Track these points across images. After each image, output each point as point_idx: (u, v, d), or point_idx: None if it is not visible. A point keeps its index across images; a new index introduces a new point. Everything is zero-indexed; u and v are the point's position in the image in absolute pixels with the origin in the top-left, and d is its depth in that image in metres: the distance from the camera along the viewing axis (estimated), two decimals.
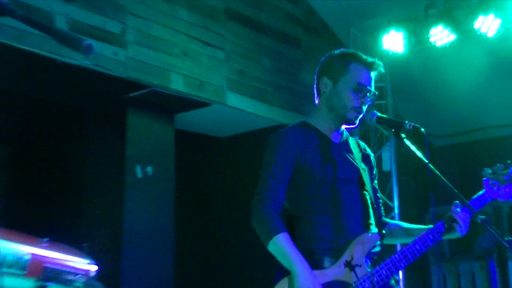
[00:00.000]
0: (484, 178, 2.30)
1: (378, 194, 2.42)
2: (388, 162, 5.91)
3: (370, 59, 2.32)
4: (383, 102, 5.96)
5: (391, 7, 5.64)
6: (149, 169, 4.58)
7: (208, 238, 5.88)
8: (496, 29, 5.25)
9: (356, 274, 2.12)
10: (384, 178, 5.78)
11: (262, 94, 5.21)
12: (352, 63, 2.30)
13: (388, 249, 2.34)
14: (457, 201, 2.21)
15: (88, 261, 3.50)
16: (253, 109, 5.11)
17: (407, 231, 2.35)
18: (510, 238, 2.07)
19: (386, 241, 2.34)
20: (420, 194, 6.88)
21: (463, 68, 5.82)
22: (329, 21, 6.10)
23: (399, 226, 2.41)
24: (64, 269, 3.15)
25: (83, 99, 4.76)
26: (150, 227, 4.50)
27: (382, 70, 2.35)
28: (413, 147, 2.16)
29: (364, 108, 2.30)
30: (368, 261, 2.20)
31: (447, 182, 2.08)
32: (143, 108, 4.64)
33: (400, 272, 5.46)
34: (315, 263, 2.12)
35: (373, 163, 2.43)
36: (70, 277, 3.15)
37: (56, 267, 3.07)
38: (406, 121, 2.18)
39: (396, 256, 2.17)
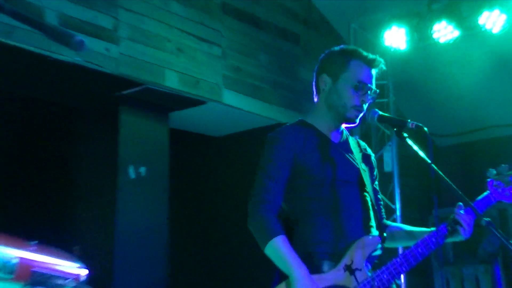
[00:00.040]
0: (488, 179, 2.31)
1: (379, 196, 2.43)
2: (390, 163, 5.92)
3: (371, 56, 2.33)
4: (385, 100, 5.96)
5: (393, 2, 5.64)
6: (143, 170, 4.58)
7: (204, 241, 5.88)
8: (501, 25, 5.26)
9: (356, 279, 2.13)
10: (386, 179, 5.78)
11: (260, 91, 5.21)
12: (353, 60, 2.31)
13: (389, 253, 2.35)
14: (461, 203, 2.21)
15: (78, 265, 3.50)
16: (250, 107, 5.11)
17: (409, 234, 2.36)
18: None
19: (387, 244, 2.35)
20: (423, 196, 6.89)
21: (467, 65, 5.83)
22: (329, 16, 6.10)
23: (400, 228, 2.41)
24: (53, 273, 3.14)
25: (74, 97, 4.75)
26: (143, 230, 4.50)
27: (384, 67, 2.36)
28: (415, 147, 2.16)
29: (365, 106, 2.31)
30: (369, 265, 2.20)
31: (450, 183, 2.08)
32: (136, 106, 4.63)
33: (402, 277, 5.47)
34: (313, 267, 2.12)
35: (373, 164, 2.44)
36: (59, 281, 3.15)
37: (45, 271, 3.06)
38: (409, 120, 2.18)
39: (398, 259, 2.17)
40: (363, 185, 2.30)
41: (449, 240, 2.25)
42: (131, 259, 4.38)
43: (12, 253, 2.86)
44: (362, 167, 2.33)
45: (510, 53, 5.61)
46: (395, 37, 5.72)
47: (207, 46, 4.79)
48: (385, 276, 2.15)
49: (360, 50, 2.35)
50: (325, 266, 2.14)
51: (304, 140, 2.26)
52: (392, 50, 5.79)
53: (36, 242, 3.15)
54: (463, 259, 5.93)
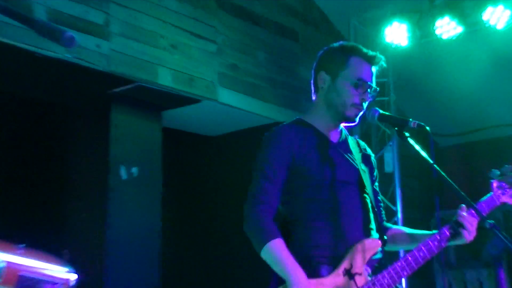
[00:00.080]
0: (492, 180, 2.31)
1: (379, 197, 2.43)
2: (391, 163, 5.93)
3: (371, 53, 2.33)
4: (385, 98, 5.97)
5: None
6: (135, 170, 4.57)
7: (199, 245, 5.88)
8: (505, 21, 5.28)
9: (355, 283, 2.13)
10: (387, 180, 5.79)
11: (257, 90, 5.21)
12: (352, 57, 2.31)
13: (390, 256, 2.35)
14: (464, 205, 2.22)
15: (67, 269, 3.49)
16: (247, 106, 5.12)
17: (411, 237, 2.36)
18: None
19: (388, 248, 2.35)
20: (425, 197, 6.90)
21: (470, 63, 5.84)
22: (328, 12, 6.11)
23: (402, 231, 2.42)
24: (41, 278, 3.13)
25: (64, 95, 4.74)
26: (135, 233, 4.49)
27: (384, 64, 2.36)
28: (417, 147, 2.16)
29: (365, 105, 2.31)
30: (369, 269, 2.20)
31: (453, 184, 2.08)
32: (129, 105, 4.63)
33: (403, 281, 5.47)
34: (312, 271, 2.12)
35: (373, 164, 2.44)
36: (47, 286, 3.14)
37: (32, 275, 3.06)
38: (410, 119, 2.18)
39: (399, 263, 2.18)
40: (362, 186, 2.30)
41: (452, 243, 2.25)
42: (123, 264, 4.37)
43: None
44: (362, 167, 2.33)
45: None
46: (396, 34, 5.73)
47: (202, 42, 4.79)
48: (386, 281, 2.15)
49: (360, 46, 2.35)
50: (324, 270, 2.14)
51: (302, 140, 2.26)
52: (393, 46, 5.80)
53: (24, 245, 3.14)
54: (466, 263, 5.94)
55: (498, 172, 2.32)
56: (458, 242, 2.25)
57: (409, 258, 2.18)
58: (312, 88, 2.41)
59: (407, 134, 2.19)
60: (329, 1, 6.00)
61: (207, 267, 5.76)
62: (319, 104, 2.36)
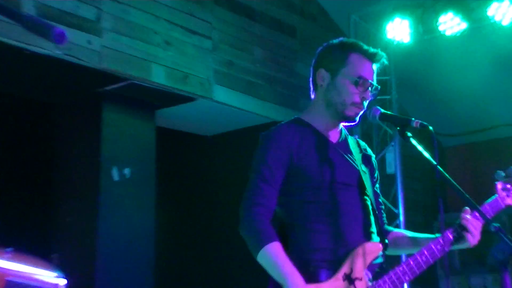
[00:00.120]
0: (497, 182, 2.32)
1: (380, 199, 2.44)
2: (393, 164, 5.93)
3: (372, 50, 2.33)
4: (387, 97, 5.98)
5: None
6: (127, 171, 4.57)
7: (194, 245, 5.88)
8: (511, 17, 5.29)
9: None
10: (388, 181, 5.80)
11: (253, 88, 5.21)
12: (352, 54, 2.31)
13: (391, 261, 2.35)
14: (468, 207, 2.22)
15: (57, 274, 3.48)
16: (243, 105, 5.12)
17: (413, 241, 2.36)
18: None
19: (390, 252, 2.35)
20: (428, 200, 6.91)
21: (473, 61, 5.85)
22: (328, 7, 6.10)
23: (403, 235, 2.42)
24: (29, 283, 3.13)
25: (54, 92, 4.74)
26: (128, 236, 4.49)
27: (386, 61, 2.36)
28: (420, 147, 2.16)
29: (366, 103, 2.31)
30: (370, 273, 2.20)
31: (457, 186, 2.09)
32: (121, 103, 4.63)
33: (405, 286, 5.47)
34: (310, 276, 2.12)
35: (374, 165, 2.44)
36: None
37: (20, 280, 3.05)
38: (413, 118, 2.18)
39: (401, 268, 2.18)
40: (363, 188, 2.30)
41: (456, 247, 2.26)
42: (115, 268, 4.37)
43: None
44: (362, 168, 2.33)
45: None
46: (398, 30, 5.74)
47: (197, 38, 4.78)
48: (386, 286, 2.15)
49: (361, 43, 2.35)
50: (323, 275, 2.14)
51: (300, 140, 2.26)
52: (395, 43, 5.81)
53: (12, 249, 3.13)
54: (470, 268, 5.95)
55: (503, 174, 2.32)
56: (462, 246, 2.25)
57: (411, 262, 2.18)
58: (311, 86, 2.41)
59: (409, 134, 2.19)
60: None
61: (203, 269, 5.76)
62: (318, 103, 2.36)
